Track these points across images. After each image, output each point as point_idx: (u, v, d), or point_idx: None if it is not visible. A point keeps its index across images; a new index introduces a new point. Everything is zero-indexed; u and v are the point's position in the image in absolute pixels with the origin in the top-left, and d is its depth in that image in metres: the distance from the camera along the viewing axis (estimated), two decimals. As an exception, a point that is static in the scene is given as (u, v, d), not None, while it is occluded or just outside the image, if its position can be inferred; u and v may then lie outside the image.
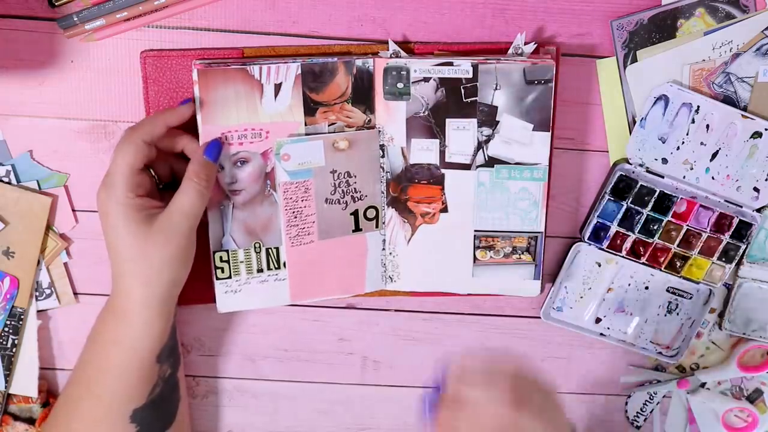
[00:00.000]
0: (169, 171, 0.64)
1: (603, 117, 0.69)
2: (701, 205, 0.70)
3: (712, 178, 0.69)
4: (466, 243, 0.68)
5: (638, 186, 0.69)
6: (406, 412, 0.77)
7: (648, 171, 0.69)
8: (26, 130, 0.66)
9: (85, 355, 0.63)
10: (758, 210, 0.70)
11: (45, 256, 0.68)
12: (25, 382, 0.70)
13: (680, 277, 0.71)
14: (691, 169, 0.69)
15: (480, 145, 0.66)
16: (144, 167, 0.61)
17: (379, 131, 0.66)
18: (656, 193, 0.69)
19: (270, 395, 0.75)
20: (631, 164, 0.69)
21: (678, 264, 0.71)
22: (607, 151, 0.70)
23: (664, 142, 0.68)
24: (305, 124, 0.64)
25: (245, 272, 0.66)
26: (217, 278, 0.66)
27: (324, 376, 0.75)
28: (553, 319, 0.73)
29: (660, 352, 0.74)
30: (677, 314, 0.73)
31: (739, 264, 0.71)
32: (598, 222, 0.70)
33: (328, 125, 0.64)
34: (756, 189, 0.69)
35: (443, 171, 0.66)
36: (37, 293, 0.69)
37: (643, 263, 0.71)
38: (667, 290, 0.72)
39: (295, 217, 0.65)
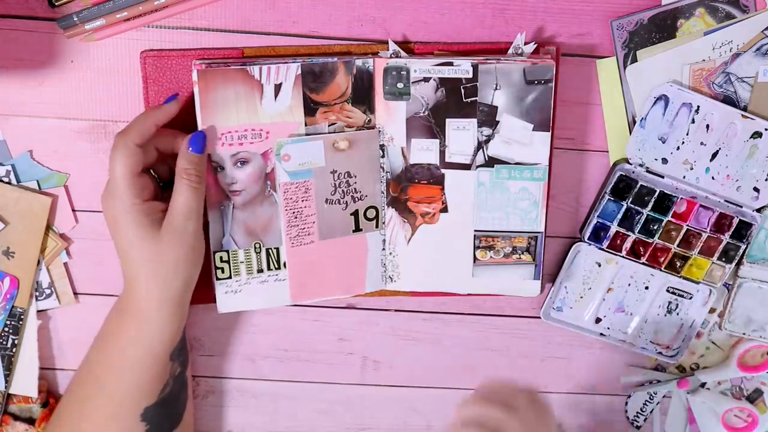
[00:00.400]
0: (169, 169, 0.64)
1: (603, 117, 0.69)
2: (701, 205, 0.70)
3: (712, 178, 0.69)
4: (466, 243, 0.68)
5: (638, 186, 0.69)
6: (406, 412, 0.77)
7: (648, 171, 0.69)
8: (26, 130, 0.66)
9: (94, 354, 0.63)
10: (758, 210, 0.70)
11: (45, 256, 0.68)
12: (25, 382, 0.70)
13: (680, 277, 0.71)
14: (691, 169, 0.69)
15: (480, 145, 0.66)
16: (145, 169, 0.62)
17: (379, 131, 0.66)
18: (656, 193, 0.69)
19: (270, 395, 0.75)
20: (631, 164, 0.69)
21: (678, 264, 0.71)
22: (607, 151, 0.70)
23: (664, 142, 0.68)
24: (305, 125, 0.64)
25: (245, 272, 0.66)
26: (218, 278, 0.66)
27: (324, 376, 0.75)
28: (553, 319, 0.73)
29: (660, 352, 0.74)
30: (677, 314, 0.73)
31: (739, 264, 0.71)
32: (598, 222, 0.70)
33: (328, 125, 0.64)
34: (756, 189, 0.69)
35: (443, 171, 0.66)
36: (37, 293, 0.69)
37: (643, 263, 0.71)
38: (667, 290, 0.72)
39: (296, 218, 0.65)
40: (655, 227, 0.70)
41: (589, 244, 0.70)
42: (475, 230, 0.68)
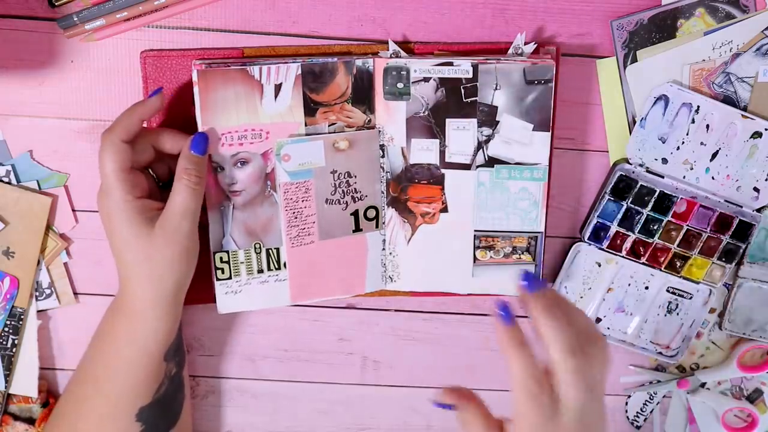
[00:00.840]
0: (168, 170, 0.64)
1: (603, 117, 0.69)
2: (701, 205, 0.70)
3: (712, 178, 0.69)
4: (466, 243, 0.68)
5: (638, 186, 0.69)
6: (406, 412, 0.77)
7: (648, 171, 0.69)
8: (26, 130, 0.66)
9: (91, 353, 0.63)
10: (758, 210, 0.70)
11: (45, 256, 0.68)
12: (25, 382, 0.70)
13: (680, 277, 0.71)
14: (691, 169, 0.69)
15: (480, 145, 0.66)
16: (142, 168, 0.61)
17: (379, 131, 0.66)
18: (656, 193, 0.69)
19: (270, 395, 0.75)
20: (631, 164, 0.69)
21: (678, 264, 0.71)
22: (607, 151, 0.70)
23: (664, 142, 0.68)
24: (305, 125, 0.64)
25: (245, 273, 0.66)
26: (218, 279, 0.66)
27: (324, 376, 0.75)
28: (553, 319, 0.73)
29: (660, 352, 0.74)
30: (677, 314, 0.73)
31: (739, 264, 0.71)
32: (598, 222, 0.70)
33: (328, 125, 0.64)
34: (756, 189, 0.69)
35: (443, 171, 0.66)
36: (37, 293, 0.69)
37: (643, 263, 0.71)
38: (667, 290, 0.72)
39: (296, 218, 0.65)
40: (655, 227, 0.70)
41: (589, 244, 0.70)
42: (475, 230, 0.68)
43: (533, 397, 0.50)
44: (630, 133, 0.68)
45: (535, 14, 0.66)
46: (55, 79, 0.65)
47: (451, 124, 0.65)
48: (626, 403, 0.77)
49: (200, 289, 0.66)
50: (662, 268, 0.71)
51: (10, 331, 0.69)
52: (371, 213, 0.67)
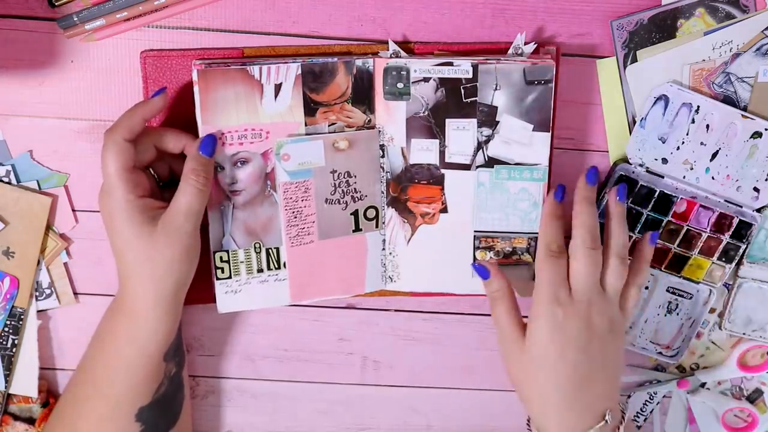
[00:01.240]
0: (168, 170, 0.64)
1: (603, 117, 0.69)
2: (701, 205, 0.70)
3: (712, 178, 0.69)
4: (466, 243, 0.68)
5: (638, 186, 0.69)
6: (406, 412, 0.77)
7: (648, 171, 0.69)
8: (26, 130, 0.66)
9: (91, 353, 0.63)
10: (758, 210, 0.70)
11: (45, 256, 0.68)
12: (25, 382, 0.70)
13: (680, 277, 0.71)
14: (691, 169, 0.69)
15: (480, 146, 0.66)
16: (143, 167, 0.61)
17: (379, 131, 0.66)
18: (656, 193, 0.69)
19: (270, 395, 0.75)
20: (631, 164, 0.69)
21: (678, 264, 0.71)
22: (607, 151, 0.70)
23: (664, 142, 0.68)
24: (305, 125, 0.64)
25: (245, 272, 0.66)
26: (218, 278, 0.66)
27: (324, 376, 0.75)
28: (553, 319, 0.73)
29: (660, 352, 0.74)
30: (677, 314, 0.73)
31: (739, 264, 0.71)
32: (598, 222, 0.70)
33: (328, 125, 0.64)
34: (756, 189, 0.69)
35: (443, 171, 0.66)
36: (37, 293, 0.69)
37: (643, 263, 0.71)
38: (667, 290, 0.72)
39: (295, 217, 0.65)
40: (655, 227, 0.70)
41: (589, 244, 0.70)
42: (475, 231, 0.68)
43: (552, 260, 0.63)
44: (630, 133, 0.68)
45: (535, 14, 0.66)
46: (55, 79, 0.65)
47: (450, 124, 0.65)
48: (626, 403, 0.77)
49: (200, 288, 0.66)
50: (662, 268, 0.71)
51: (10, 331, 0.69)
52: (371, 213, 0.67)
